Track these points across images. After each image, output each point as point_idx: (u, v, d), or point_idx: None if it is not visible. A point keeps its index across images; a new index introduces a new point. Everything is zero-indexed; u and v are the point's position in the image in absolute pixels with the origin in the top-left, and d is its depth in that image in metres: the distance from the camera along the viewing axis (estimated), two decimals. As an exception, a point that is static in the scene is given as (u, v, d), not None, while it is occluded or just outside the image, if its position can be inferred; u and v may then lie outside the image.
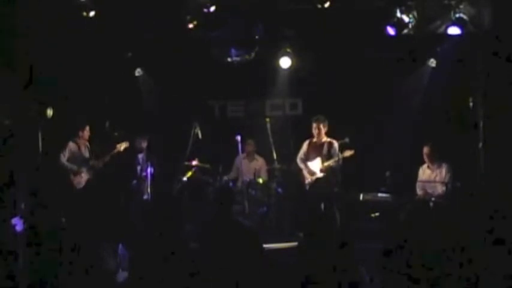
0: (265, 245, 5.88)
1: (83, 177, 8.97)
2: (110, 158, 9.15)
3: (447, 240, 5.00)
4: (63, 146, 8.96)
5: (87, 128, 9.12)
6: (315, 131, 8.91)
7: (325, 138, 8.92)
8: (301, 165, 9.04)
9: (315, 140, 8.98)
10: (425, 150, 8.65)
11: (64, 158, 8.93)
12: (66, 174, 8.91)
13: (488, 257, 5.11)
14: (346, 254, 4.79)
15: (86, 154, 9.12)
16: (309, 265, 4.74)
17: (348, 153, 8.65)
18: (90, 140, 9.22)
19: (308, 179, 8.94)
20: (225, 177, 9.48)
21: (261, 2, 8.66)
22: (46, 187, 8.45)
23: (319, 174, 8.85)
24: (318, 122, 8.89)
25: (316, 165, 8.89)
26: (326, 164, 8.76)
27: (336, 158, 8.63)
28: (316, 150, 8.94)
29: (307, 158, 9.01)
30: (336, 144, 8.80)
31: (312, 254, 4.83)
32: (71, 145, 9.02)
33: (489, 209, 7.19)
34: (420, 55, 9.67)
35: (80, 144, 9.09)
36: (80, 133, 9.09)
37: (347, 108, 9.90)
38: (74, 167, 8.92)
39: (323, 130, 8.89)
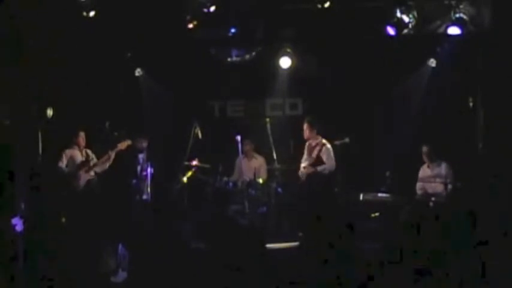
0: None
1: (82, 180, 8.92)
2: (113, 155, 9.04)
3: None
4: (58, 155, 8.81)
5: (82, 134, 8.97)
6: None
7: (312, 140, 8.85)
8: None
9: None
10: (424, 149, 8.69)
11: (62, 165, 8.84)
12: (65, 177, 8.87)
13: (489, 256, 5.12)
14: None
15: (83, 159, 9.00)
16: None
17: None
18: (89, 145, 9.10)
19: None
20: (225, 178, 9.46)
21: (261, 2, 8.66)
22: (46, 187, 8.47)
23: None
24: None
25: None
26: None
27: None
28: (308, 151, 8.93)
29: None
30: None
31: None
32: (67, 152, 8.91)
33: (489, 209, 7.19)
34: (420, 55, 9.66)
35: (76, 150, 8.97)
36: (75, 140, 8.95)
37: (347, 108, 9.89)
38: (73, 171, 8.84)
39: (307, 130, 8.83)
